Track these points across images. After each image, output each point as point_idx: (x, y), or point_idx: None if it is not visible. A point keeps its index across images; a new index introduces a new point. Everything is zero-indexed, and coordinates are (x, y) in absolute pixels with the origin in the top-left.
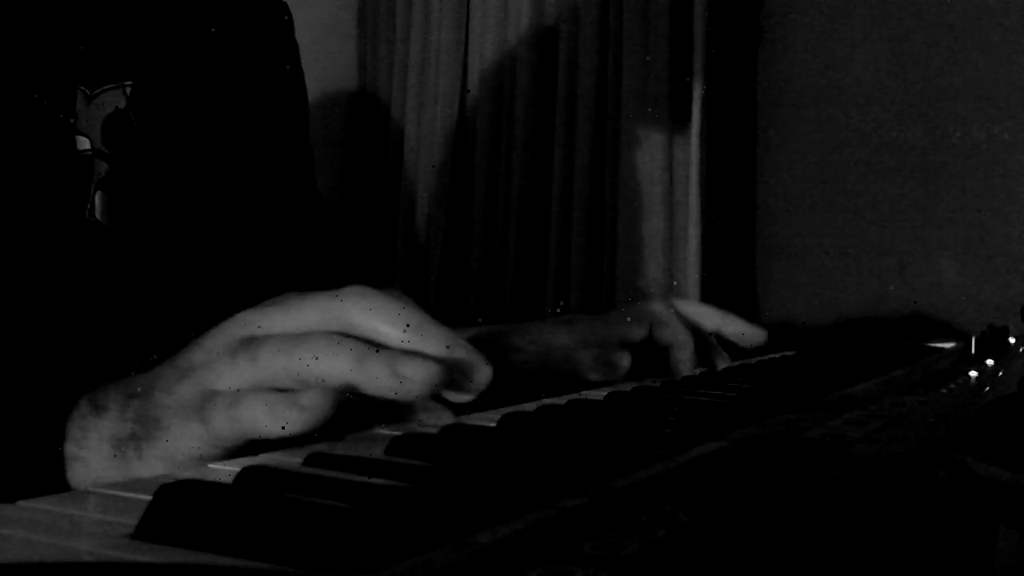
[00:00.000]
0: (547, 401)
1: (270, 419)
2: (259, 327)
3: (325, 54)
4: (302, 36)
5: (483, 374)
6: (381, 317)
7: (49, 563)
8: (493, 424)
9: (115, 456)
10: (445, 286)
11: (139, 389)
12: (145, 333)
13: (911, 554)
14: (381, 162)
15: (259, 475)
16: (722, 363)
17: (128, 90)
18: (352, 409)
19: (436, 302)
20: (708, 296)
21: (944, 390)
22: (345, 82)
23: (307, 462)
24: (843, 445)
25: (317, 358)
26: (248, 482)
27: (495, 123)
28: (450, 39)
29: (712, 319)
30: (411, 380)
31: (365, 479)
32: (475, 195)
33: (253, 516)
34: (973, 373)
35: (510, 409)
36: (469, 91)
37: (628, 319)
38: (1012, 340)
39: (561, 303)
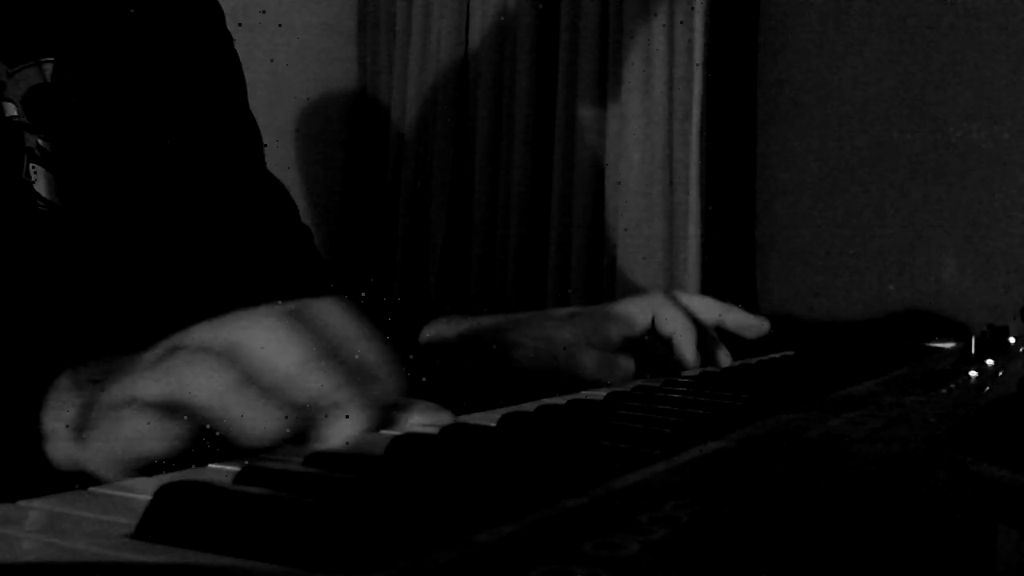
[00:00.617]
0: (547, 401)
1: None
2: (184, 339)
3: (325, 54)
4: (302, 36)
5: (352, 426)
6: (274, 348)
7: (49, 563)
8: (493, 424)
9: (71, 437)
10: (445, 286)
11: (98, 377)
12: (93, 311)
13: (912, 554)
14: (381, 162)
15: (259, 475)
16: (723, 356)
17: (48, 67)
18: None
19: (436, 303)
20: (708, 295)
21: (944, 390)
22: (345, 82)
23: (307, 462)
24: (843, 445)
25: (194, 382)
26: (248, 482)
27: (495, 123)
28: (450, 39)
29: (713, 311)
30: (253, 428)
31: (365, 479)
32: (475, 195)
33: (253, 516)
34: (973, 373)
35: (510, 409)
36: (469, 91)
37: (629, 311)
38: (1012, 340)
39: (561, 303)
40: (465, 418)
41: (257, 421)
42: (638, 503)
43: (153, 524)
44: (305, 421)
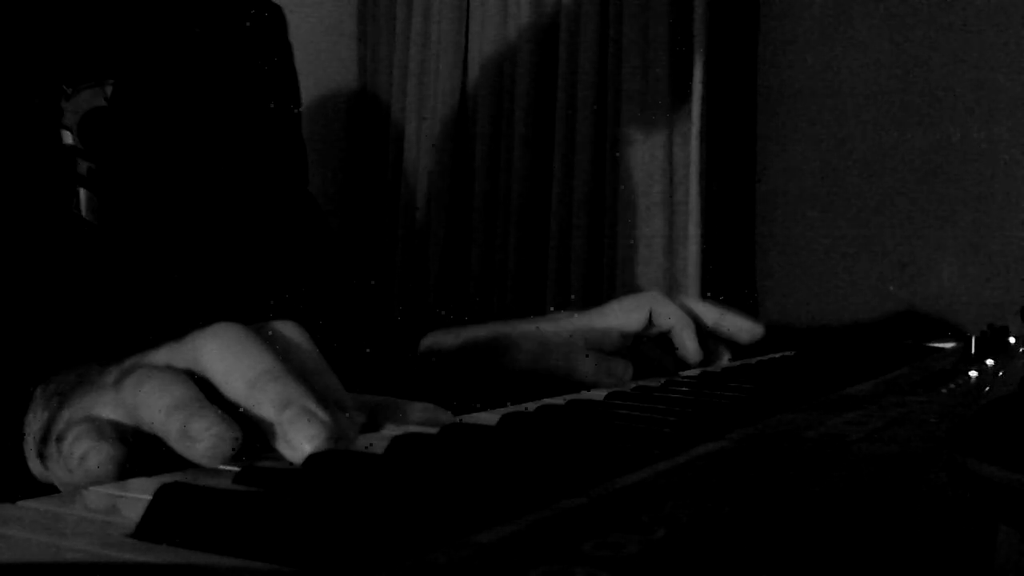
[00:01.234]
0: (547, 401)
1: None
2: (149, 358)
3: (325, 54)
4: (302, 36)
5: (304, 446)
6: (224, 367)
7: (49, 563)
8: (493, 424)
9: (35, 451)
10: (445, 286)
11: (64, 390)
12: (131, 332)
13: (911, 554)
14: (381, 162)
15: (258, 475)
16: (722, 356)
17: (109, 89)
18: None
19: (436, 302)
20: (708, 296)
21: (944, 390)
22: (345, 82)
23: (306, 462)
24: (843, 445)
25: (148, 398)
26: (247, 482)
27: (495, 123)
28: (450, 39)
29: (710, 314)
30: (198, 441)
31: (365, 479)
32: (475, 195)
33: (252, 516)
34: (973, 373)
35: (510, 409)
36: (469, 91)
37: (624, 309)
38: (1012, 340)
39: (563, 309)
40: (465, 418)
41: (209, 438)
42: (638, 503)
43: (153, 524)
44: (264, 435)
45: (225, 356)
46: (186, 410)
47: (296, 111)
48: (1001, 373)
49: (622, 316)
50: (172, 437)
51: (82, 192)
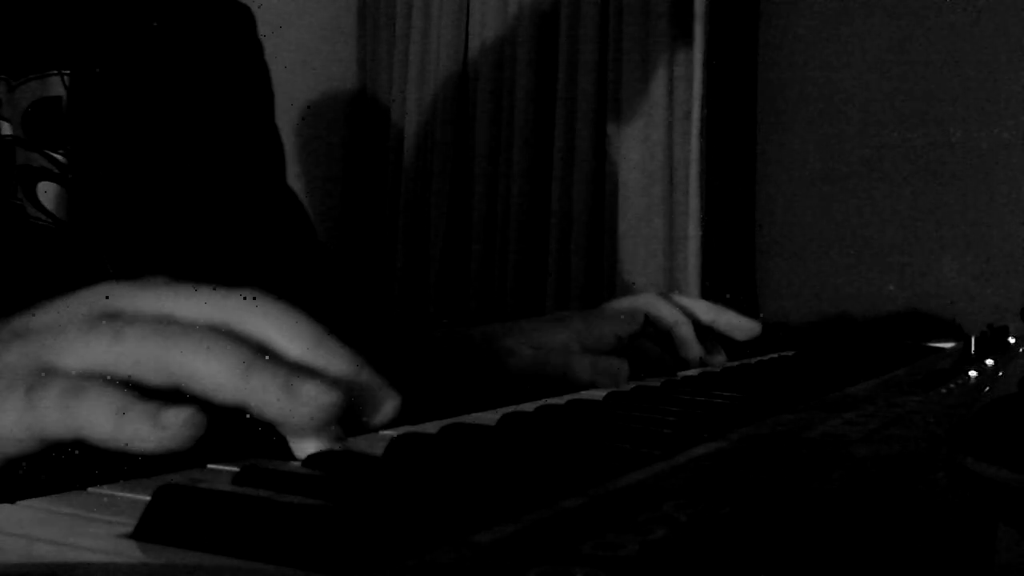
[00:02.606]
0: (547, 401)
1: (114, 427)
2: (132, 303)
3: (325, 54)
4: (302, 36)
5: (390, 406)
6: (278, 326)
7: (49, 563)
8: (493, 424)
9: None
10: (445, 287)
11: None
12: None
13: (911, 554)
14: (381, 162)
15: (258, 475)
16: (720, 354)
17: (56, 79)
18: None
19: (436, 303)
20: (708, 296)
21: (944, 390)
22: (345, 82)
23: (306, 462)
24: (843, 445)
25: (197, 355)
26: (247, 482)
27: (495, 123)
28: (450, 39)
29: (706, 312)
30: (308, 403)
31: (365, 479)
32: (475, 195)
33: (252, 516)
34: (973, 373)
35: (510, 409)
36: (469, 91)
37: (623, 309)
38: (1012, 340)
39: (561, 304)
40: (465, 418)
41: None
42: (638, 503)
43: (152, 524)
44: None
45: (273, 319)
46: (272, 371)
47: (268, 105)
48: (1001, 373)
49: (618, 315)
50: (259, 400)
51: (50, 186)
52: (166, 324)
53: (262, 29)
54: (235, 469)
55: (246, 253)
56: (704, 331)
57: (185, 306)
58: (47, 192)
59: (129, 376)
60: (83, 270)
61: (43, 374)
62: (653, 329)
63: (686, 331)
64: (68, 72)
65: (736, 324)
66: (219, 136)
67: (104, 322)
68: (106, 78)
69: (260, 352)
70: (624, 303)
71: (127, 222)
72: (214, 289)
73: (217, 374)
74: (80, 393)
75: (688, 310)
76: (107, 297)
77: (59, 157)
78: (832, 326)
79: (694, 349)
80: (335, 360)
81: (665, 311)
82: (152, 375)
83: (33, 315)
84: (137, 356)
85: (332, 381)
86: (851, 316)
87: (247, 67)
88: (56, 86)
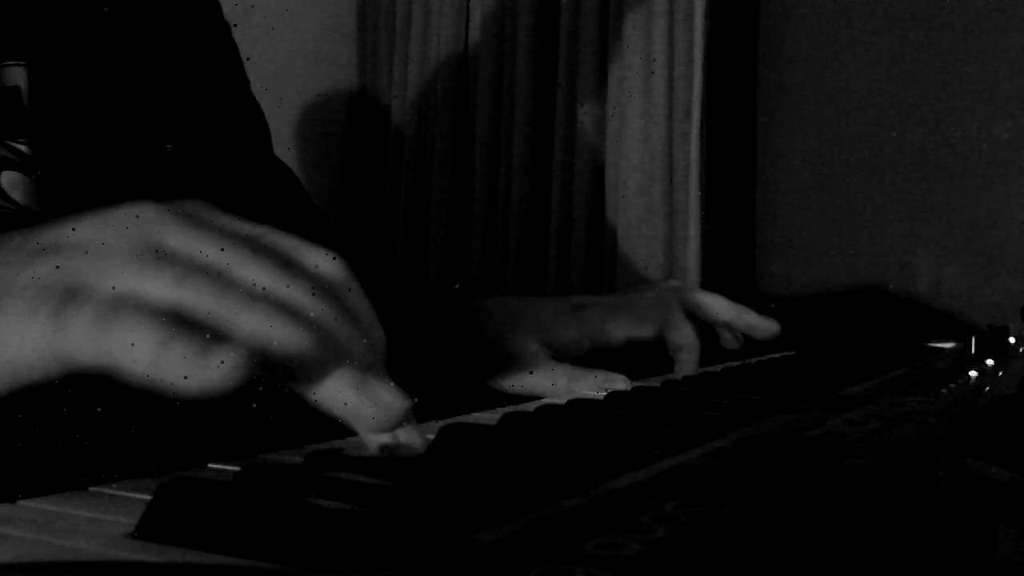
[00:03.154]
0: (547, 401)
1: (153, 358)
2: (183, 242)
3: (325, 54)
4: (302, 36)
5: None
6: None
7: (49, 563)
8: (493, 424)
9: None
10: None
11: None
12: None
13: (911, 554)
14: (381, 161)
15: (259, 474)
16: (735, 346)
17: (9, 71)
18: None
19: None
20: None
21: (944, 390)
22: (345, 82)
23: (307, 461)
24: (843, 445)
25: (271, 326)
26: (248, 481)
27: (495, 122)
28: (450, 39)
29: (726, 312)
30: (384, 408)
31: (365, 479)
32: (475, 195)
33: (253, 515)
34: (973, 373)
35: (510, 409)
36: (469, 91)
37: (638, 315)
38: (1012, 340)
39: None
40: (465, 418)
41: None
42: (638, 503)
43: (153, 524)
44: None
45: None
46: (344, 368)
47: (242, 80)
48: (1001, 373)
49: (634, 318)
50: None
51: (15, 176)
52: (226, 285)
53: (263, 30)
54: (236, 468)
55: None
56: (722, 325)
57: (239, 257)
58: (12, 182)
59: (176, 308)
60: None
61: (77, 295)
62: (663, 344)
63: (689, 360)
64: (25, 64)
65: (756, 324)
66: (194, 113)
67: (156, 257)
68: (65, 68)
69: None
70: (644, 306)
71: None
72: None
73: (288, 358)
74: (120, 317)
75: (705, 311)
76: (151, 223)
77: (22, 147)
78: (832, 325)
79: (733, 343)
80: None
81: (681, 332)
82: (206, 319)
83: (72, 229)
84: (195, 303)
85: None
86: (851, 315)
87: (214, 44)
88: (15, 76)
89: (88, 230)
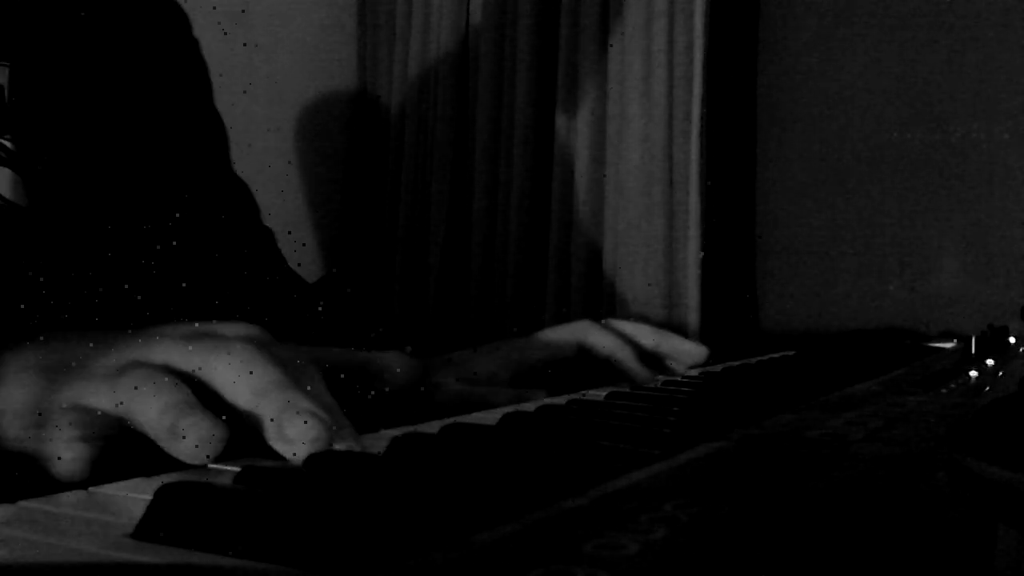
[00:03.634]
0: (547, 401)
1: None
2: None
3: (325, 54)
4: (302, 36)
5: (306, 438)
6: (234, 377)
7: (49, 563)
8: (493, 424)
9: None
10: (445, 287)
11: (54, 365)
12: (45, 311)
13: (911, 554)
14: (381, 162)
15: (259, 475)
16: (675, 374)
17: (7, 71)
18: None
19: (436, 303)
20: (708, 297)
21: (944, 390)
22: (345, 82)
23: (307, 462)
24: (843, 445)
25: (143, 396)
26: (248, 482)
27: (495, 123)
28: (450, 39)
29: (648, 337)
30: (184, 439)
31: (365, 479)
32: (475, 195)
33: (253, 516)
34: (973, 373)
35: (510, 409)
36: (469, 91)
37: (550, 339)
38: (1012, 340)
39: (564, 309)
40: (465, 418)
41: (195, 436)
42: (638, 503)
43: (153, 524)
44: (263, 436)
45: (236, 370)
46: (175, 409)
47: (207, 94)
48: (1001, 373)
49: (547, 344)
50: (161, 435)
51: (4, 172)
52: (140, 376)
53: (263, 30)
54: (236, 469)
55: (187, 238)
56: (649, 355)
57: (160, 350)
58: None
59: (105, 409)
60: (39, 251)
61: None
62: (590, 358)
63: (626, 357)
64: (8, 64)
65: (681, 348)
66: (157, 124)
67: (101, 372)
68: (45, 70)
69: (191, 396)
70: (554, 333)
71: (76, 206)
72: (208, 338)
73: (149, 412)
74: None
75: (629, 336)
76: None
77: (6, 143)
78: (832, 326)
79: (640, 374)
80: (266, 405)
81: (602, 342)
82: (114, 410)
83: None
84: (112, 397)
85: (215, 421)
86: (851, 316)
87: (181, 58)
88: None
89: (68, 353)
